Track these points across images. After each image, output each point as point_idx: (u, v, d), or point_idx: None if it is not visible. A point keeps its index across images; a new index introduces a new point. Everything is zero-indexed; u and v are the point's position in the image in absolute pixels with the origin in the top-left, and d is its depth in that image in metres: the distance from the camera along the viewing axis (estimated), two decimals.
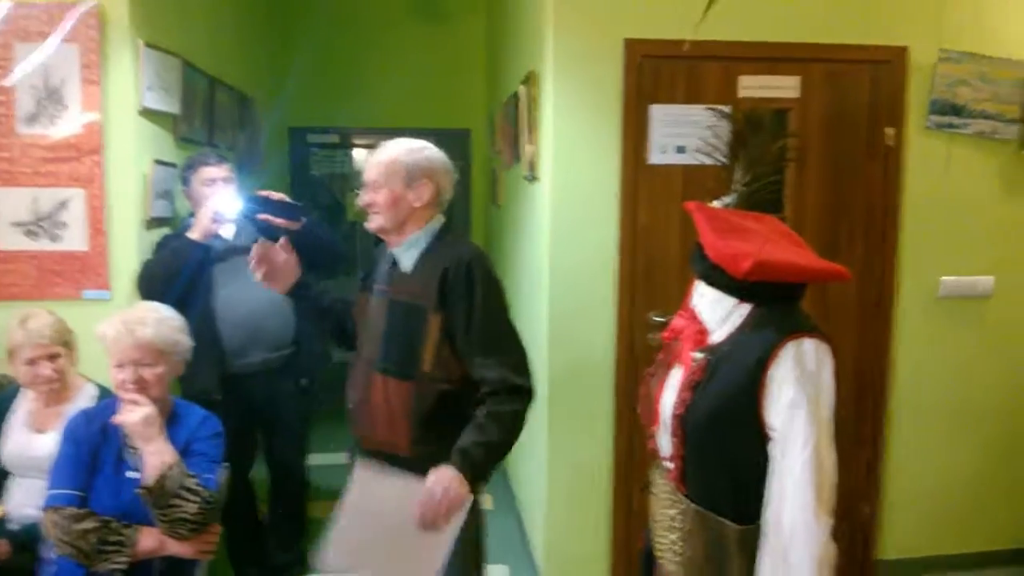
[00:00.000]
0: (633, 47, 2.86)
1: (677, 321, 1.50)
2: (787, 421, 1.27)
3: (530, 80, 3.14)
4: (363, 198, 1.91)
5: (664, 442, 1.44)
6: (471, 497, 1.74)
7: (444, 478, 1.71)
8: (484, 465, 1.78)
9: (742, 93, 2.92)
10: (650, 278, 2.94)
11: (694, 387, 1.37)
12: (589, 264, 2.92)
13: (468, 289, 1.82)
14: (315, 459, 3.26)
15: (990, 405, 3.19)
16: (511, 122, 3.73)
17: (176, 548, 1.90)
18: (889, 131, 3.01)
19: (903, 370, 3.08)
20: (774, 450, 1.29)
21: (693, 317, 1.46)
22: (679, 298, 2.90)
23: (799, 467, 1.25)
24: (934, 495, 3.16)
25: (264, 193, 2.77)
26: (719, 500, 1.35)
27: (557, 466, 2.98)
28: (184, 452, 1.93)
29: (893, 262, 3.03)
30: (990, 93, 3.01)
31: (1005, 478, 3.25)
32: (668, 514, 1.44)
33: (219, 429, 2.05)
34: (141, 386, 1.91)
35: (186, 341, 2.08)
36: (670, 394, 1.44)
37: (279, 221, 2.73)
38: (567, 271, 2.91)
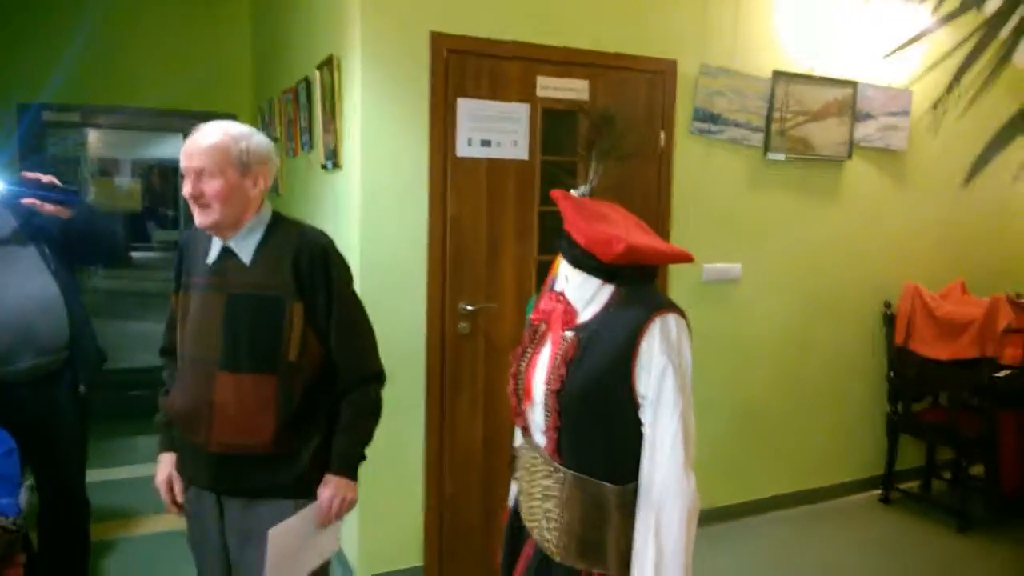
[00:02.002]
0: (439, 40, 2.91)
1: (545, 303, 1.59)
2: (657, 389, 1.41)
3: (331, 65, 3.06)
4: (188, 188, 1.72)
5: (538, 417, 1.53)
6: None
7: (337, 488, 1.82)
8: (360, 459, 1.89)
9: (540, 92, 3.10)
10: (459, 268, 3.02)
11: (568, 363, 1.47)
12: (400, 254, 2.93)
13: (326, 274, 1.79)
14: (91, 475, 2.92)
15: (738, 374, 3.71)
16: (303, 108, 3.60)
17: None
18: (662, 134, 3.37)
19: None
20: (645, 416, 1.43)
21: (560, 299, 1.56)
22: (487, 287, 3.06)
23: (669, 430, 1.40)
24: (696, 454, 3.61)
25: (30, 175, 2.43)
26: (595, 465, 1.46)
27: (370, 457, 2.94)
28: None
29: None
30: (740, 104, 3.50)
31: (751, 437, 3.80)
32: (544, 484, 1.52)
33: (11, 444, 1.79)
34: None
35: None
36: (542, 372, 1.52)
37: (48, 208, 2.42)
38: (378, 261, 2.89)
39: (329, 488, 1.82)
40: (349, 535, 3.01)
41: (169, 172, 9.28)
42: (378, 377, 1.90)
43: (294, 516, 1.80)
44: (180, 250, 1.95)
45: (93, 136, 6.32)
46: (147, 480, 4.25)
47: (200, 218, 1.75)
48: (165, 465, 1.94)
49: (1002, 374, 3.66)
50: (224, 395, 1.73)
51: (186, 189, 1.74)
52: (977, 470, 4.00)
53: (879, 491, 4.13)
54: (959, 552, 3.58)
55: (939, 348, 3.85)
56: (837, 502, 4.07)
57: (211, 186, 1.71)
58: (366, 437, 1.89)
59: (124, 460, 4.46)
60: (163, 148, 8.85)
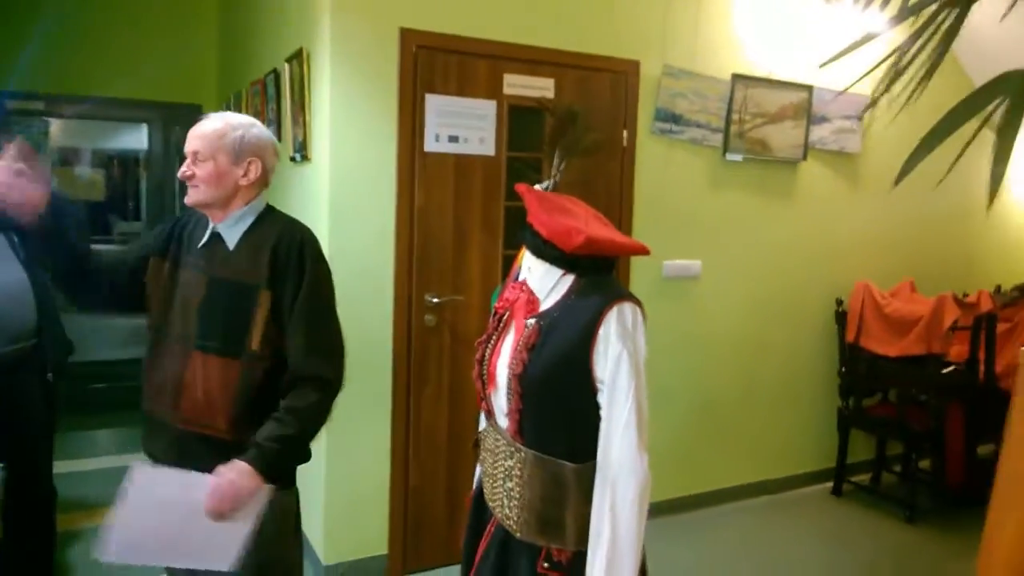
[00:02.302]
0: (408, 36, 2.96)
1: (509, 292, 1.65)
2: (613, 373, 1.48)
3: (300, 58, 3.09)
4: (184, 170, 1.82)
5: (501, 401, 1.59)
6: (265, 488, 1.71)
7: (232, 471, 1.68)
8: (279, 458, 1.75)
9: (507, 90, 3.16)
10: (426, 261, 3.07)
11: (530, 349, 1.53)
12: (367, 246, 2.97)
13: (299, 268, 1.82)
14: (56, 467, 2.92)
15: (696, 368, 3.82)
16: (271, 100, 3.61)
17: None
18: (624, 133, 3.46)
19: None
20: (602, 398, 1.50)
21: (523, 288, 1.63)
22: (453, 280, 3.12)
23: (625, 412, 1.47)
24: (654, 446, 3.71)
25: (11, 145, 2.42)
26: (555, 445, 1.53)
27: (336, 448, 2.99)
28: None
29: None
30: (701, 106, 3.60)
31: (708, 429, 3.91)
32: (506, 465, 1.59)
33: None
34: None
35: None
36: (505, 357, 1.59)
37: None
38: (345, 254, 2.92)
39: (228, 469, 1.68)
40: (315, 523, 3.05)
41: (130, 162, 9.13)
42: (322, 382, 1.80)
43: (175, 470, 1.71)
44: (176, 221, 1.98)
45: (55, 125, 6.22)
46: (111, 472, 4.26)
47: (189, 196, 1.83)
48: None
49: (948, 370, 3.82)
50: (193, 373, 1.78)
51: (181, 169, 1.83)
52: (925, 464, 4.16)
53: (831, 483, 4.27)
54: (907, 542, 3.72)
55: (888, 345, 3.99)
56: (790, 494, 4.21)
57: (202, 168, 1.81)
58: (288, 436, 1.75)
59: (87, 452, 4.44)
60: (125, 138, 8.72)
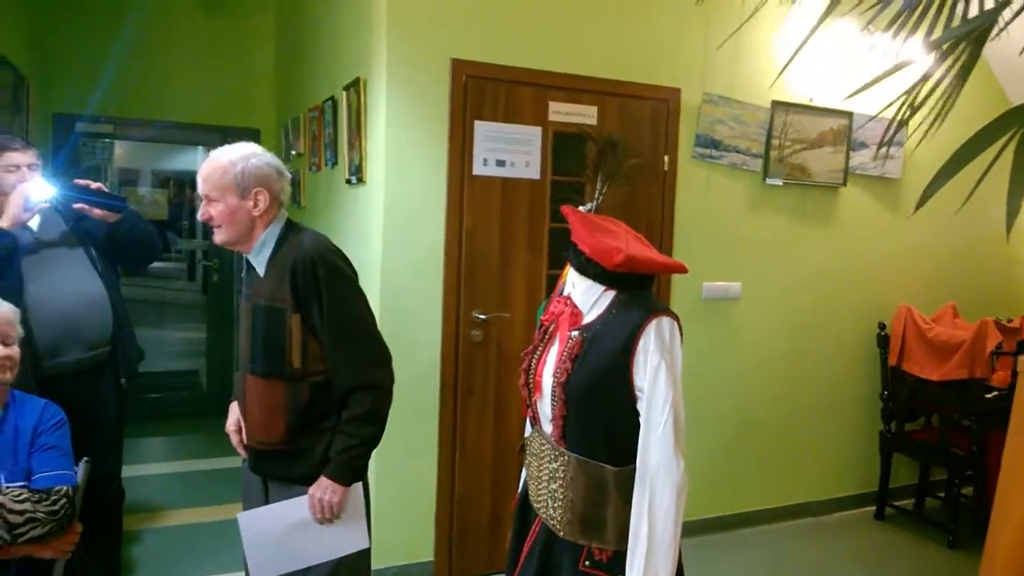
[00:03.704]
0: (459, 67, 3.12)
1: (555, 306, 1.77)
2: (652, 382, 1.59)
3: (358, 86, 3.27)
4: (201, 212, 1.91)
5: (546, 408, 1.71)
6: (354, 488, 1.95)
7: (318, 489, 1.91)
8: (353, 465, 1.93)
9: (552, 117, 3.30)
10: (473, 279, 3.21)
11: (574, 359, 1.65)
12: (418, 265, 3.12)
13: (316, 287, 1.89)
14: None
15: (735, 389, 3.87)
16: (327, 125, 3.81)
17: (35, 551, 1.81)
18: (665, 158, 3.57)
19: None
20: (641, 406, 1.61)
21: (567, 302, 1.75)
22: (499, 298, 3.25)
23: (662, 419, 1.57)
24: (694, 465, 3.76)
25: (82, 182, 2.65)
26: (597, 450, 1.64)
27: (385, 457, 3.11)
28: (32, 445, 1.85)
29: None
30: (740, 132, 3.69)
31: (748, 450, 3.96)
32: (550, 468, 1.70)
33: (62, 416, 2.00)
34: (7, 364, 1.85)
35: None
36: (550, 367, 1.70)
37: (97, 212, 2.65)
38: (398, 272, 3.08)
39: (315, 488, 1.91)
40: None
41: (186, 183, 9.50)
42: (370, 388, 1.92)
43: (268, 505, 1.97)
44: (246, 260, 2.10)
45: (119, 147, 6.56)
46: (167, 477, 4.46)
47: (214, 237, 1.95)
48: (233, 412, 2.13)
49: (991, 395, 3.80)
50: (251, 396, 1.95)
51: (200, 212, 1.93)
52: (968, 490, 4.13)
53: (873, 507, 4.26)
54: (950, 567, 3.69)
55: (931, 369, 3.98)
56: (832, 517, 4.21)
57: (216, 209, 1.90)
58: (357, 443, 1.91)
59: (146, 458, 4.66)
60: (181, 160, 9.12)
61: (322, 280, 1.88)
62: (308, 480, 1.95)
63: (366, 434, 1.92)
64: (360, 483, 1.95)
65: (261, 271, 1.95)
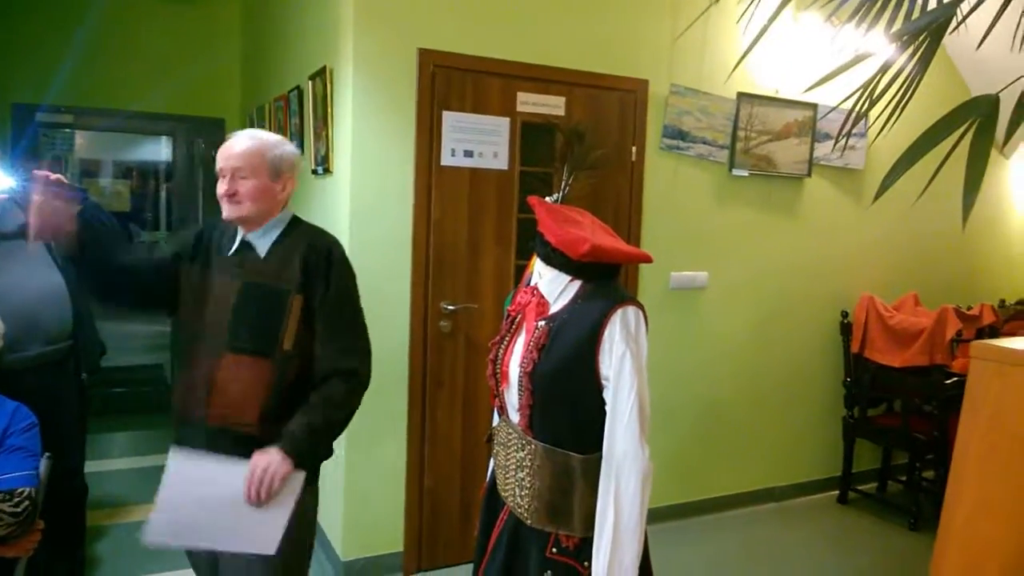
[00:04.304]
0: (426, 56, 3.10)
1: (522, 296, 1.78)
2: (617, 371, 1.60)
3: (324, 76, 3.24)
4: (224, 187, 1.90)
5: (513, 397, 1.71)
6: (297, 475, 1.82)
7: (265, 457, 1.80)
8: (309, 445, 1.87)
9: (520, 107, 3.30)
10: (441, 270, 3.20)
11: (540, 349, 1.66)
12: (386, 256, 3.10)
13: (326, 272, 1.94)
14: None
15: (702, 377, 3.92)
16: (293, 115, 3.77)
17: None
18: (633, 149, 3.59)
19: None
20: (607, 395, 1.62)
21: (534, 293, 1.75)
22: (468, 288, 3.25)
23: (627, 407, 1.59)
24: (662, 453, 3.82)
25: (40, 173, 2.58)
26: (563, 438, 1.66)
27: (354, 448, 3.11)
28: (1, 446, 1.80)
29: None
30: (707, 123, 3.72)
31: (714, 437, 4.01)
32: (517, 456, 1.71)
33: (33, 419, 1.96)
34: None
35: None
36: (517, 356, 1.71)
37: (57, 203, 2.57)
38: (365, 263, 3.02)
39: (263, 455, 1.79)
40: (333, 520, 3.17)
41: (149, 174, 9.32)
42: (350, 375, 1.92)
43: (212, 458, 1.80)
44: (202, 230, 2.09)
45: (80, 137, 6.42)
46: (133, 472, 4.39)
47: (229, 211, 1.92)
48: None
49: (951, 381, 3.90)
50: (226, 373, 1.89)
51: (221, 187, 1.91)
52: (929, 473, 4.23)
53: (836, 491, 4.35)
54: (911, 549, 3.78)
55: (892, 356, 4.08)
56: (796, 501, 4.29)
57: (245, 185, 1.90)
58: (320, 422, 1.87)
59: (108, 453, 4.60)
60: (144, 150, 8.97)
61: (334, 264, 1.96)
62: None
63: (332, 417, 1.90)
64: (300, 478, 1.82)
65: (262, 252, 1.96)
